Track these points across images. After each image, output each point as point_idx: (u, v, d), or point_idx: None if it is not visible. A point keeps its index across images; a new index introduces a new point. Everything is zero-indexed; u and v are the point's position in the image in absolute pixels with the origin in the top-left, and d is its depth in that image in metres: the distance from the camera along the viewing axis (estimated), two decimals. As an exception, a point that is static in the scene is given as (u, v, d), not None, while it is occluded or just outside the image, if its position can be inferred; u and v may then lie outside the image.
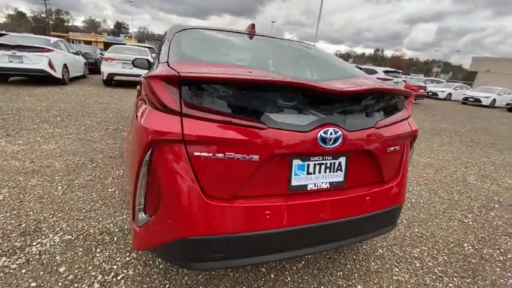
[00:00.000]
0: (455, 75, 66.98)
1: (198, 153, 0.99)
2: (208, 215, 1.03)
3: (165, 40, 1.84)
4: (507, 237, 2.16)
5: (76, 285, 1.33)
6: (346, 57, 68.87)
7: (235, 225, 1.06)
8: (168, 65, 1.18)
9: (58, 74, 7.30)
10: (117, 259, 1.53)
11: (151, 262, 1.53)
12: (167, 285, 1.39)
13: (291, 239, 1.16)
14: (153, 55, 3.66)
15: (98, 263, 1.49)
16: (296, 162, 1.13)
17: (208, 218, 1.03)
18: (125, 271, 1.45)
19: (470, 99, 16.89)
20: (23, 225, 1.73)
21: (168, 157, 0.99)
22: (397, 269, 1.69)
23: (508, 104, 15.21)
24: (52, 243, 1.60)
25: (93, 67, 11.36)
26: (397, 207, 1.44)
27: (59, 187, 2.23)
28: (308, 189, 1.17)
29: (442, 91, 18.53)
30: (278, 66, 1.45)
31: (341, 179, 1.24)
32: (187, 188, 1.00)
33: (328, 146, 1.11)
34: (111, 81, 8.39)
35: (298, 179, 1.15)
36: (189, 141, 0.97)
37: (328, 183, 1.21)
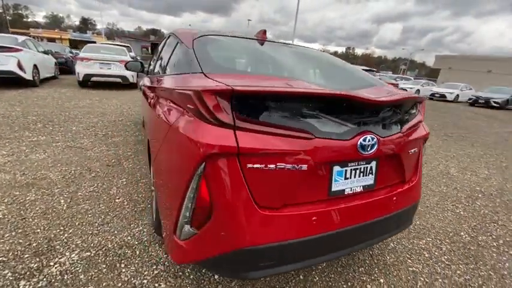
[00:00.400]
0: (420, 72, 71.57)
1: (251, 165, 1.00)
2: (261, 225, 1.05)
3: (178, 46, 1.81)
4: (495, 224, 2.40)
5: (110, 304, 1.29)
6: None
7: (286, 232, 1.09)
8: (207, 76, 1.17)
9: (28, 76, 6.75)
10: (145, 273, 1.49)
11: (180, 273, 1.51)
12: (203, 296, 1.39)
13: (332, 242, 1.22)
14: (138, 56, 3.52)
15: (126, 278, 1.44)
16: (336, 168, 1.18)
17: (261, 228, 1.05)
18: (156, 285, 1.42)
19: (436, 95, 18.18)
20: (34, 245, 1.62)
21: (222, 170, 0.99)
22: (410, 261, 1.82)
23: (469, 99, 16.57)
24: (71, 261, 1.52)
25: (64, 67, 10.63)
26: (415, 204, 1.56)
27: (62, 200, 2.10)
28: (345, 193, 1.23)
29: (411, 88, 19.75)
30: (309, 76, 1.49)
31: (372, 182, 1.31)
32: (241, 199, 1.02)
33: (366, 153, 1.18)
34: (87, 83, 7.92)
35: (337, 185, 1.20)
36: (243, 154, 0.98)
37: (361, 187, 1.28)
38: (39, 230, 1.75)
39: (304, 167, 1.06)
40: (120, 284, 1.40)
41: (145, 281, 1.44)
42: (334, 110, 1.12)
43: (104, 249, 1.64)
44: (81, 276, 1.43)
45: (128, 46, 12.25)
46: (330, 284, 1.56)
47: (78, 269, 1.47)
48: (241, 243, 1.03)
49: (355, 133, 1.15)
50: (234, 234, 1.03)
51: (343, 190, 1.22)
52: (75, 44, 19.56)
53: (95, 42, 16.69)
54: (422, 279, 1.67)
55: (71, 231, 1.77)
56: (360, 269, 1.70)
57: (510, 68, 27.02)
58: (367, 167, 1.27)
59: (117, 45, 11.27)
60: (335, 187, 1.20)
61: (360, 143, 1.15)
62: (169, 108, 1.32)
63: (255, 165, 1.01)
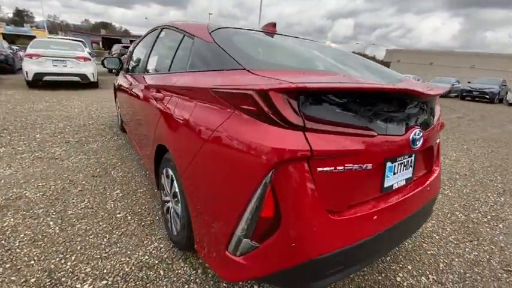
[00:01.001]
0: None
1: (321, 169, 0.93)
2: (332, 231, 0.99)
3: (186, 41, 1.65)
4: (479, 202, 2.67)
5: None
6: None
7: (353, 235, 1.05)
8: (253, 73, 1.06)
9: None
10: (178, 294, 1.34)
11: (217, 289, 1.39)
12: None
13: (388, 238, 1.21)
14: (115, 54, 3.08)
15: (159, 304, 1.28)
16: (388, 164, 1.17)
17: (332, 234, 0.99)
18: (195, 306, 1.29)
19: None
20: (32, 280, 1.34)
21: (293, 176, 0.91)
22: (425, 244, 1.93)
23: (462, 91, 16.29)
24: (87, 294, 1.30)
25: (4, 65, 9.19)
26: (438, 193, 1.64)
27: (51, 223, 1.79)
28: (393, 188, 1.23)
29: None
30: (344, 70, 1.42)
31: (410, 175, 1.33)
32: (312, 206, 0.94)
33: (415, 147, 1.19)
34: (37, 82, 6.94)
35: (388, 180, 1.19)
36: (313, 157, 0.91)
37: (404, 180, 1.29)
38: (33, 262, 1.46)
39: (369, 165, 1.03)
40: (154, 312, 1.24)
41: (181, 304, 1.29)
42: (390, 106, 1.09)
43: (121, 274, 1.43)
44: (106, 310, 1.23)
45: (82, 41, 11.03)
46: (366, 277, 1.57)
47: (98, 302, 1.26)
48: (314, 252, 0.97)
49: (407, 128, 1.15)
50: (306, 244, 0.96)
51: (392, 185, 1.22)
52: (11, 39, 17.01)
53: (34, 36, 14.63)
54: (441, 260, 1.77)
55: (73, 258, 1.51)
56: (387, 259, 1.74)
57: (447, 60, 30.57)
58: (409, 161, 1.28)
59: (75, 40, 10.07)
60: (386, 183, 1.19)
61: (412, 137, 1.15)
62: (206, 111, 1.17)
63: (325, 168, 0.94)
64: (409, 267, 1.68)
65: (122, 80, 3.08)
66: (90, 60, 7.34)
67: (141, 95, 2.08)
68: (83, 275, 1.41)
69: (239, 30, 1.62)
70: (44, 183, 2.28)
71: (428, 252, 1.84)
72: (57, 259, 1.50)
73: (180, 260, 1.56)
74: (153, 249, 1.63)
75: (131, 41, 19.56)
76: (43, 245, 1.59)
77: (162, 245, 1.67)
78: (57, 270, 1.42)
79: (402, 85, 1.34)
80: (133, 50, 3.01)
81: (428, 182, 1.45)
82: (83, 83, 7.28)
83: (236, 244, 1.03)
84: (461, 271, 1.68)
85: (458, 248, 1.91)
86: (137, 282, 1.39)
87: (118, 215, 1.94)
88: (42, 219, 1.82)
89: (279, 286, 1.13)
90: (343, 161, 0.97)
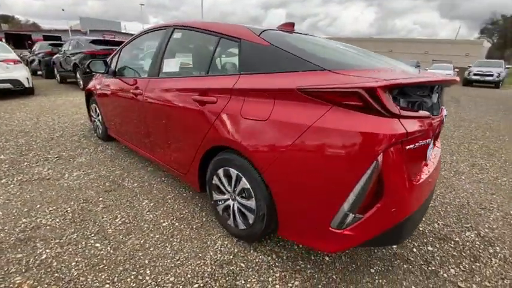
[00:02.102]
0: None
1: (407, 147, 1.18)
2: (414, 195, 1.27)
3: (226, 44, 1.71)
4: (441, 163, 3.37)
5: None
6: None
7: (421, 196, 1.35)
8: (338, 73, 1.22)
9: None
10: (270, 279, 1.46)
11: (301, 262, 1.56)
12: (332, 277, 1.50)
13: (429, 200, 1.55)
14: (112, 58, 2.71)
15: (273, 283, 1.39)
16: (428, 140, 1.49)
17: (414, 197, 1.27)
18: (291, 283, 1.44)
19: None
20: (123, 301, 1.29)
21: (394, 156, 1.13)
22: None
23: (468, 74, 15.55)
24: (188, 299, 1.32)
25: None
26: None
27: (97, 244, 1.66)
28: (429, 158, 1.57)
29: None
30: (390, 64, 1.62)
31: (431, 150, 1.70)
32: (404, 177, 1.19)
33: (443, 124, 1.54)
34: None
35: (429, 152, 1.52)
36: (406, 138, 1.15)
37: (430, 154, 1.65)
38: (108, 285, 1.38)
39: (429, 140, 1.33)
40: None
41: (278, 287, 1.43)
42: (432, 92, 1.40)
43: (207, 275, 1.47)
44: (216, 308, 1.29)
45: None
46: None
47: (203, 302, 1.31)
48: (406, 212, 1.23)
49: (439, 109, 1.48)
50: (402, 207, 1.21)
51: (429, 156, 1.56)
52: None
53: None
54: (440, 209, 2.27)
55: (148, 272, 1.48)
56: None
57: (368, 46, 34.71)
58: (432, 137, 1.64)
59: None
60: (428, 154, 1.51)
61: (443, 117, 1.49)
62: (291, 108, 1.29)
63: (410, 146, 1.19)
64: (430, 248, 2.09)
65: (110, 84, 2.82)
66: (20, 63, 6.21)
67: (164, 98, 2.01)
68: (170, 284, 1.41)
69: (280, 32, 1.73)
70: (55, 207, 2.03)
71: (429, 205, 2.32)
72: (132, 277, 1.44)
73: (252, 251, 1.67)
74: (221, 247, 1.69)
75: (54, 38, 16.69)
76: (106, 267, 1.50)
77: (226, 242, 1.74)
78: (141, 287, 1.39)
79: (439, 76, 1.66)
80: (120, 52, 2.77)
81: (438, 153, 1.85)
82: (15, 90, 6.13)
83: (341, 219, 1.22)
84: (456, 214, 2.20)
85: (446, 198, 2.45)
86: (227, 278, 1.46)
87: (164, 224, 1.89)
88: (84, 243, 1.67)
89: (375, 246, 1.36)
90: (417, 139, 1.23)
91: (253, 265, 1.56)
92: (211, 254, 1.63)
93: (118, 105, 2.76)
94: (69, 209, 2.02)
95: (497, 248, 1.81)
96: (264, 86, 1.41)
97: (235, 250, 1.67)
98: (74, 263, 1.52)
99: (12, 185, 2.33)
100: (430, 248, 1.77)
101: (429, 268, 1.60)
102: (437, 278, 1.52)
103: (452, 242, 1.84)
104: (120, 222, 1.90)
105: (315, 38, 1.98)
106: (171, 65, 2.12)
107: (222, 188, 1.74)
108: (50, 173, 2.59)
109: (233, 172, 1.62)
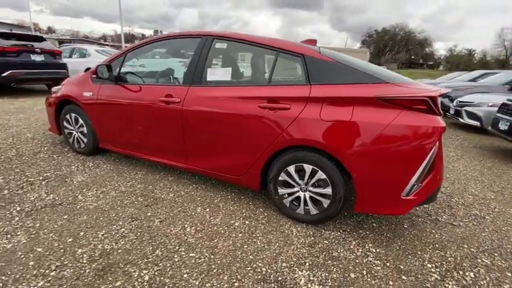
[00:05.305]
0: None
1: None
2: (443, 168, 1.89)
3: (289, 58, 1.99)
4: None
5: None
6: (132, 38, 63.94)
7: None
8: (400, 85, 1.72)
9: None
10: (354, 242, 1.85)
11: (376, 229, 2.00)
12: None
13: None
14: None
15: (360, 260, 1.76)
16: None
17: (443, 170, 1.90)
18: (366, 254, 1.86)
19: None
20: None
21: (440, 140, 1.71)
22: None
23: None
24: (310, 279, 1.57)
25: None
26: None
27: (191, 254, 1.66)
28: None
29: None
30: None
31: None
32: (441, 156, 1.80)
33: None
34: None
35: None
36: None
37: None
38: (236, 284, 1.48)
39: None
40: (355, 261, 1.72)
41: (360, 250, 1.83)
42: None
43: (307, 255, 1.73)
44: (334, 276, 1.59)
45: None
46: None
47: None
48: (441, 180, 1.85)
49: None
50: (440, 177, 1.82)
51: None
52: None
53: None
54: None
55: (260, 264, 1.63)
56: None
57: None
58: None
59: None
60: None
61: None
62: (370, 112, 1.70)
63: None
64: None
65: (114, 92, 2.55)
66: None
67: (216, 106, 2.08)
68: (286, 268, 1.61)
69: (329, 50, 2.10)
70: (105, 231, 1.82)
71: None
72: (251, 271, 1.57)
73: (323, 231, 2.00)
74: (298, 233, 1.95)
75: None
76: (219, 270, 1.56)
77: (299, 228, 2.01)
78: (265, 276, 1.54)
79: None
80: (125, 57, 2.53)
81: None
82: None
83: (409, 189, 1.73)
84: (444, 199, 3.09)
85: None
86: (323, 253, 1.76)
87: (236, 224, 2.00)
88: (177, 256, 1.64)
89: (423, 205, 1.90)
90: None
91: (333, 240, 1.91)
92: (296, 239, 1.89)
93: (129, 114, 2.53)
94: (122, 229, 1.86)
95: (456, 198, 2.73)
96: (342, 94, 1.78)
97: (311, 233, 1.98)
98: (185, 275, 1.51)
99: (17, 218, 1.89)
100: (428, 208, 2.52)
101: (433, 218, 2.32)
102: (438, 222, 2.25)
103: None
104: (193, 230, 1.89)
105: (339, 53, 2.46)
106: (218, 74, 2.19)
107: (292, 182, 2.01)
108: (55, 197, 2.19)
109: (307, 167, 1.91)
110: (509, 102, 4.28)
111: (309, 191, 1.98)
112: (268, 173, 2.09)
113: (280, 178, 2.04)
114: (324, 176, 1.88)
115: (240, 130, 2.07)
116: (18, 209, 2.00)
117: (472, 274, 1.67)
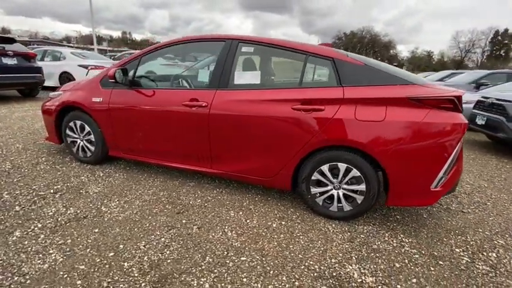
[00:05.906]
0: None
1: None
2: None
3: (318, 62, 2.06)
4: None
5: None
6: (99, 40, 60.52)
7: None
8: (425, 86, 1.87)
9: None
10: (387, 234, 1.96)
11: (402, 221, 2.12)
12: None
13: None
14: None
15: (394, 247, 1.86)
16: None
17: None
18: (391, 240, 1.99)
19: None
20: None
21: (463, 136, 1.88)
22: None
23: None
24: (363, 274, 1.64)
25: None
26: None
27: (242, 258, 1.65)
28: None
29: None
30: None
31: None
32: (462, 149, 1.97)
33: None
34: None
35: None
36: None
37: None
38: (297, 283, 1.50)
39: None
40: (391, 250, 1.83)
41: (395, 241, 1.94)
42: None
43: (350, 249, 1.81)
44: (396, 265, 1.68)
45: None
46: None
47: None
48: (462, 171, 2.02)
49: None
50: (462, 168, 2.00)
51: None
52: None
53: None
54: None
55: (311, 262, 1.67)
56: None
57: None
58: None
59: None
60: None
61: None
62: (402, 111, 1.82)
63: (463, 129, 1.99)
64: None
65: (129, 97, 2.44)
66: None
67: (246, 109, 2.09)
68: (337, 264, 1.67)
69: (356, 54, 2.20)
70: (144, 242, 1.74)
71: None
72: (305, 269, 1.61)
73: (357, 226, 2.09)
74: (334, 230, 2.02)
75: None
76: (275, 272, 1.58)
77: (333, 225, 2.08)
78: (322, 272, 1.58)
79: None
80: (140, 61, 2.43)
81: None
82: None
83: (438, 181, 1.88)
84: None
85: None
86: (364, 246, 1.85)
87: (273, 225, 2.02)
88: (229, 261, 1.62)
89: (447, 194, 2.07)
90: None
91: (368, 234, 2.01)
92: (334, 236, 1.96)
93: (147, 119, 2.44)
94: (162, 239, 1.79)
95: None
96: (376, 95, 1.88)
97: (346, 228, 2.06)
98: (245, 279, 1.51)
99: (42, 236, 1.74)
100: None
101: (445, 207, 2.52)
102: (451, 211, 2.45)
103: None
104: (235, 235, 1.88)
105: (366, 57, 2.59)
106: (247, 78, 2.19)
107: (325, 180, 2.08)
108: (76, 211, 2.04)
109: (341, 165, 2.00)
110: (484, 99, 4.76)
111: (343, 188, 2.06)
112: (300, 173, 2.14)
113: (313, 177, 2.10)
114: (358, 174, 1.98)
115: (272, 132, 2.09)
116: (40, 225, 1.85)
117: (494, 254, 1.86)
